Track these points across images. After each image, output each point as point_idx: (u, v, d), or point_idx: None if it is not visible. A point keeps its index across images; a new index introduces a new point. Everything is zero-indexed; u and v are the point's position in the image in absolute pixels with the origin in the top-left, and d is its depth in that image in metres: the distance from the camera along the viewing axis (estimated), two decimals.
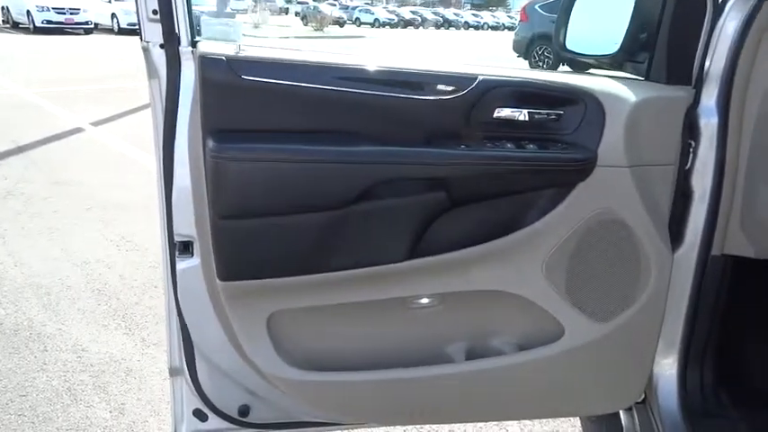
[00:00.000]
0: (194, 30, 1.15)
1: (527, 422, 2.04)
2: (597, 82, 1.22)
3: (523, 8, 12.09)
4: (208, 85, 1.07)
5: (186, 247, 1.20)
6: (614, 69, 1.40)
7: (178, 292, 1.21)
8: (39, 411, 2.04)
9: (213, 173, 1.06)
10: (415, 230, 1.16)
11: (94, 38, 17.55)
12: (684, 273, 1.31)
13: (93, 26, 18.87)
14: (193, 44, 1.14)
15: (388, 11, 41.71)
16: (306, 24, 30.36)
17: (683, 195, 1.29)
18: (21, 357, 2.34)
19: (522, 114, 1.16)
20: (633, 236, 1.23)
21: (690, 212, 1.30)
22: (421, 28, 38.63)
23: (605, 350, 1.29)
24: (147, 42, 1.13)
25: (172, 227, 1.19)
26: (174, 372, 1.33)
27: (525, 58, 11.67)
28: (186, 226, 1.18)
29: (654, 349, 1.34)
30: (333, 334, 1.25)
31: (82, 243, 3.46)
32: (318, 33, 25.85)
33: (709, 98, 1.27)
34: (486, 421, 1.92)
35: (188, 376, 1.31)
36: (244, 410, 1.35)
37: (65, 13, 18.13)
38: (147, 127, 1.35)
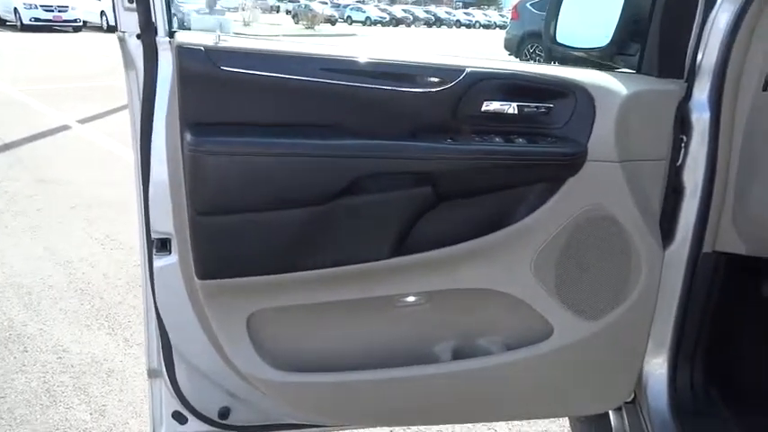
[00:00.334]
0: (172, 19, 1.10)
1: (515, 422, 2.01)
2: (588, 75, 1.19)
3: (515, 6, 12.09)
4: (186, 77, 1.03)
5: (164, 245, 1.16)
6: (605, 62, 1.38)
7: (155, 290, 1.17)
8: (16, 414, 1.99)
9: (191, 167, 1.02)
10: (401, 227, 1.12)
11: (83, 36, 17.38)
12: (675, 270, 1.28)
13: (81, 24, 18.67)
14: (171, 34, 1.09)
15: (380, 9, 41.66)
16: (297, 22, 30.26)
17: (674, 191, 1.27)
18: (0, 359, 2.28)
19: (510, 107, 1.13)
20: (624, 232, 1.20)
21: (681, 209, 1.27)
22: (413, 26, 38.63)
23: (595, 349, 1.26)
24: (124, 33, 1.09)
25: (149, 223, 1.15)
26: (152, 373, 1.29)
27: (516, 57, 11.67)
28: (164, 222, 1.14)
29: (644, 348, 1.32)
30: (315, 334, 1.21)
31: (66, 242, 3.40)
32: (309, 31, 25.77)
33: (701, 92, 1.24)
34: (474, 422, 1.89)
35: (167, 378, 1.26)
36: (224, 412, 1.31)
37: (53, 11, 17.93)
38: None
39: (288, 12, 36.88)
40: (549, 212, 1.17)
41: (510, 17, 12.55)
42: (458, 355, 1.25)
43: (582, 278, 1.22)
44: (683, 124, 1.23)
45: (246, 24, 24.21)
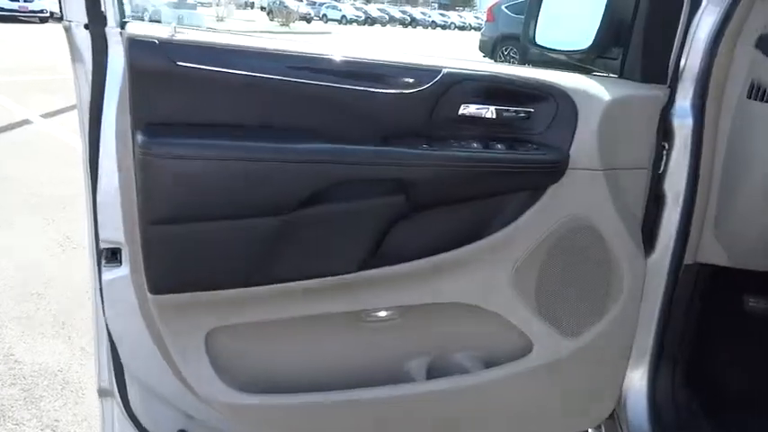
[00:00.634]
0: (123, 8, 1.01)
1: None
2: (569, 78, 1.13)
3: (490, 8, 12.14)
4: (137, 72, 0.94)
5: (114, 255, 1.07)
6: (586, 66, 1.33)
7: (105, 305, 1.07)
8: None
9: (143, 171, 0.94)
10: (372, 238, 1.05)
11: (50, 27, 16.87)
12: (656, 282, 1.24)
13: (48, 15, 18.14)
14: (122, 25, 1.00)
15: (356, 8, 41.54)
16: (272, 19, 29.96)
17: (655, 200, 1.22)
18: None
19: (489, 111, 1.07)
20: (606, 244, 1.15)
21: (662, 218, 1.23)
22: (388, 26, 38.59)
23: (576, 366, 1.20)
24: (70, 22, 0.99)
25: (98, 231, 1.05)
26: (103, 392, 1.19)
27: (492, 59, 11.72)
28: (114, 230, 1.05)
29: (626, 363, 1.27)
30: (279, 352, 1.13)
31: (22, 242, 3.23)
32: (284, 29, 25.51)
33: (684, 98, 1.20)
34: None
35: (118, 398, 1.17)
36: None
37: (18, 0, 17.38)
38: None
39: (263, 8, 36.50)
40: (528, 223, 1.11)
41: (485, 19, 12.59)
42: (432, 373, 1.18)
43: (563, 292, 1.16)
44: (665, 131, 1.18)
45: (220, 20, 23.86)
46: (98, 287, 1.07)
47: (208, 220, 0.96)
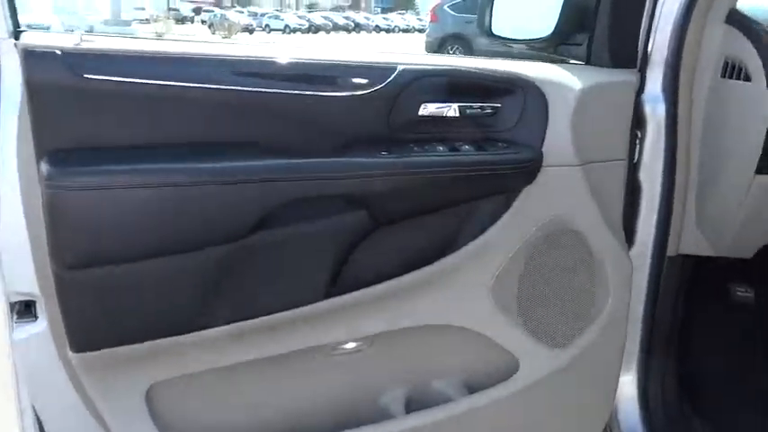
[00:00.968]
0: (16, 15, 0.85)
1: None
2: (536, 68, 1.04)
3: (433, 9, 12.18)
4: (37, 89, 0.78)
5: (28, 308, 0.90)
6: (549, 54, 1.23)
7: (18, 367, 0.91)
8: None
9: (51, 207, 0.78)
10: (333, 261, 0.93)
11: None
12: (639, 278, 1.16)
13: None
14: (16, 35, 0.84)
15: (298, 16, 41.30)
16: (213, 33, 29.40)
17: (633, 193, 1.14)
18: None
19: (451, 109, 0.96)
20: (588, 244, 1.06)
21: (641, 211, 1.15)
22: (332, 33, 38.51)
23: (567, 380, 1.10)
24: None
25: (5, 282, 0.89)
26: None
27: None
28: (25, 280, 0.88)
29: (618, 370, 1.18)
30: (238, 401, 0.99)
31: None
32: (227, 42, 25.07)
33: (655, 83, 1.13)
34: None
35: None
36: None
37: None
38: None
39: (203, 22, 35.86)
40: (504, 230, 1.00)
41: (429, 20, 12.63)
42: (412, 405, 1.06)
43: (547, 301, 1.06)
44: (637, 118, 1.10)
45: (159, 36, 23.28)
46: (10, 348, 0.91)
47: (135, 260, 0.81)
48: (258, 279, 0.89)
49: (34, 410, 0.93)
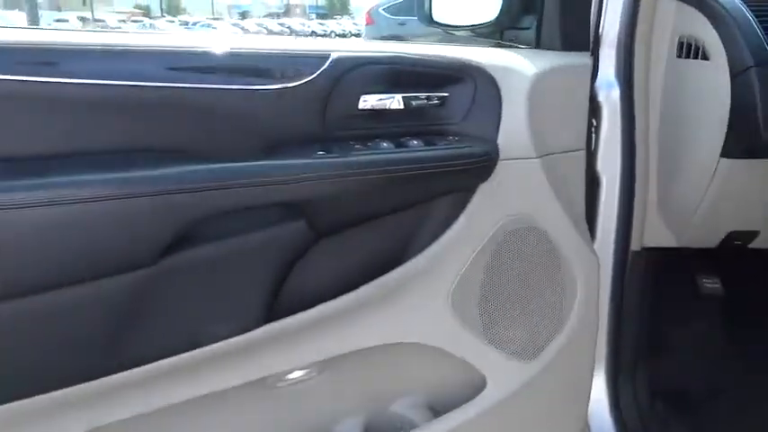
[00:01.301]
0: None
1: None
2: (484, 53, 0.94)
3: (368, 12, 12.13)
4: None
5: None
6: (494, 40, 1.15)
7: None
8: None
9: None
10: (269, 282, 0.80)
11: None
12: (603, 276, 1.08)
13: None
14: None
15: (233, 25, 40.59)
16: None
17: (592, 184, 1.06)
18: None
19: (395, 101, 0.85)
20: (553, 244, 0.97)
21: (600, 205, 1.08)
22: None
23: (539, 391, 1.01)
24: None
25: None
26: None
27: None
28: None
29: (590, 373, 1.10)
30: None
31: None
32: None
33: (608, 66, 1.05)
34: None
35: None
36: None
37: None
38: None
39: None
40: (460, 233, 0.90)
41: (365, 22, 12.58)
42: None
43: (512, 309, 0.96)
44: (592, 104, 1.03)
45: None
46: None
47: (16, 297, 0.66)
48: (179, 309, 0.75)
49: None
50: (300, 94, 0.79)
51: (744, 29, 0.99)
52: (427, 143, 0.86)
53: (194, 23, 38.23)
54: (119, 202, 0.69)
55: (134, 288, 0.71)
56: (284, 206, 0.79)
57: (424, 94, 0.87)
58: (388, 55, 0.88)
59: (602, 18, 1.04)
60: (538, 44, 1.04)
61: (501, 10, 1.07)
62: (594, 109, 1.05)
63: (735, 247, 1.20)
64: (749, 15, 1.02)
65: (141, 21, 36.43)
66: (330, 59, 0.81)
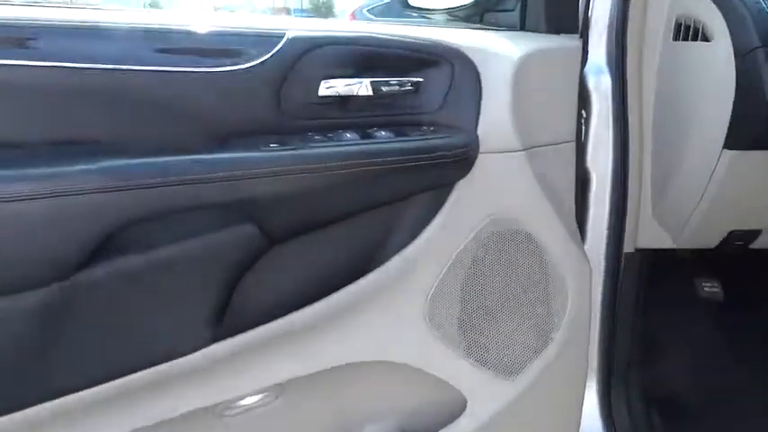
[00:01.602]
0: None
1: None
2: (463, 35, 0.85)
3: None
4: None
5: None
6: (474, 23, 1.05)
7: None
8: None
9: None
10: (216, 294, 0.70)
11: None
12: (594, 280, 0.99)
13: None
14: None
15: None
16: None
17: (582, 181, 0.97)
18: None
19: (362, 86, 0.75)
20: (539, 246, 0.87)
21: (590, 203, 0.99)
22: None
23: (524, 411, 0.91)
24: None
25: None
26: None
27: None
28: None
29: (582, 387, 1.00)
30: None
31: None
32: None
33: (598, 51, 0.97)
34: None
35: None
36: None
37: None
38: None
39: None
40: (436, 236, 0.80)
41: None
42: None
43: (494, 321, 0.86)
44: (581, 93, 0.93)
45: None
46: None
47: None
48: (105, 329, 0.64)
49: None
50: (250, 78, 0.69)
51: (749, 5, 0.90)
52: (398, 134, 0.77)
53: None
54: (37, 201, 0.58)
55: (50, 303, 0.61)
56: (231, 207, 0.68)
57: (395, 80, 0.78)
58: (355, 35, 0.78)
59: None
60: (522, 26, 0.94)
61: None
62: (584, 99, 0.96)
63: (735, 247, 1.11)
64: None
65: None
66: (285, 38, 0.71)
